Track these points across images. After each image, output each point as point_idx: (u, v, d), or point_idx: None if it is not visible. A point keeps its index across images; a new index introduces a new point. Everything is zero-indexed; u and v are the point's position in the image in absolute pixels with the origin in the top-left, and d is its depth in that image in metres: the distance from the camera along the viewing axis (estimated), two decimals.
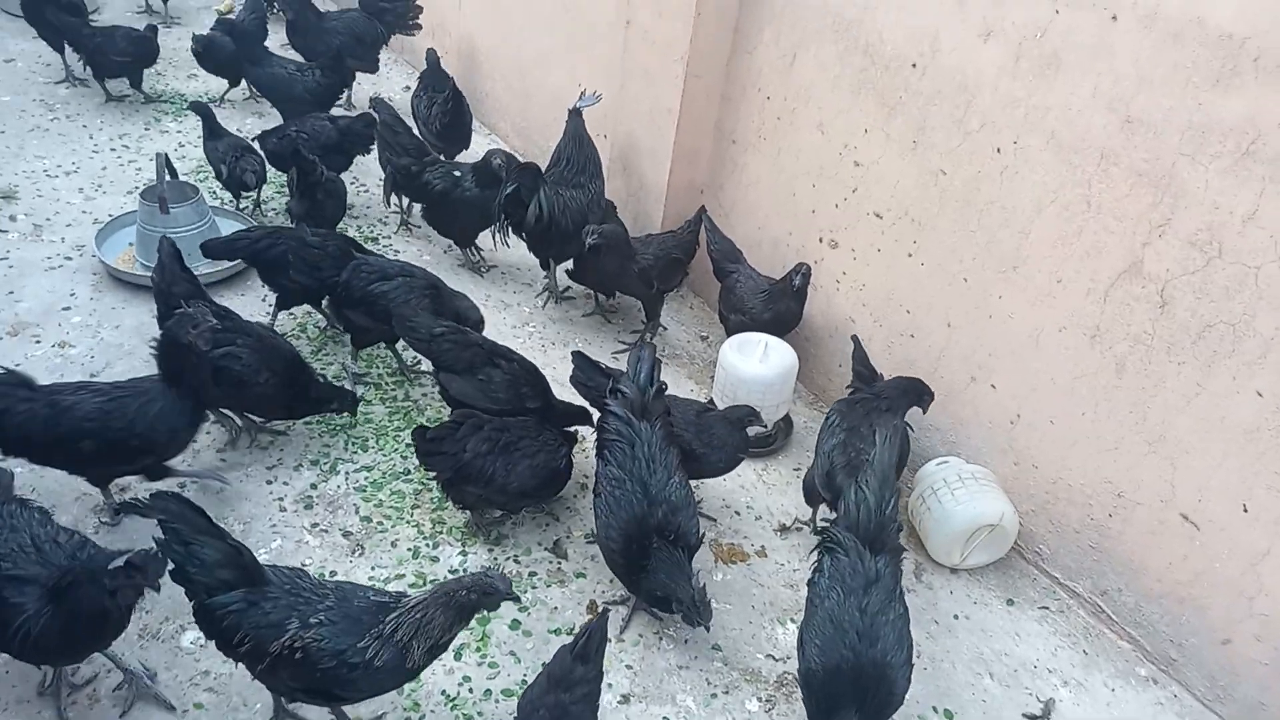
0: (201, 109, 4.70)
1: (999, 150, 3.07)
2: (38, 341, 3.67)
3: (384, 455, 3.41)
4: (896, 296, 3.56)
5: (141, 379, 2.94)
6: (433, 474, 3.07)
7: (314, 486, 3.22)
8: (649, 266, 4.05)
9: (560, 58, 5.09)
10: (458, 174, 4.36)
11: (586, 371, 3.24)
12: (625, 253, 4.04)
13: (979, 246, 3.22)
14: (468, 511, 3.18)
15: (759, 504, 3.49)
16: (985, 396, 3.33)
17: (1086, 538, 3.16)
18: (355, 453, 3.41)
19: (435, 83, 5.18)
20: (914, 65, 3.28)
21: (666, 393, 3.07)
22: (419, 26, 5.89)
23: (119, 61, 5.27)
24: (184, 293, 3.17)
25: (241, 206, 4.68)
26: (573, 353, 3.32)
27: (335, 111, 5.25)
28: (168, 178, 4.11)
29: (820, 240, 3.84)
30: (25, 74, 5.66)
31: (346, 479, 3.28)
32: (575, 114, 4.29)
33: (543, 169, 4.22)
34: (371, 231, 4.76)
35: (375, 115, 4.59)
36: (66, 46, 5.43)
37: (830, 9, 3.53)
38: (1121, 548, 3.07)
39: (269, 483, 3.23)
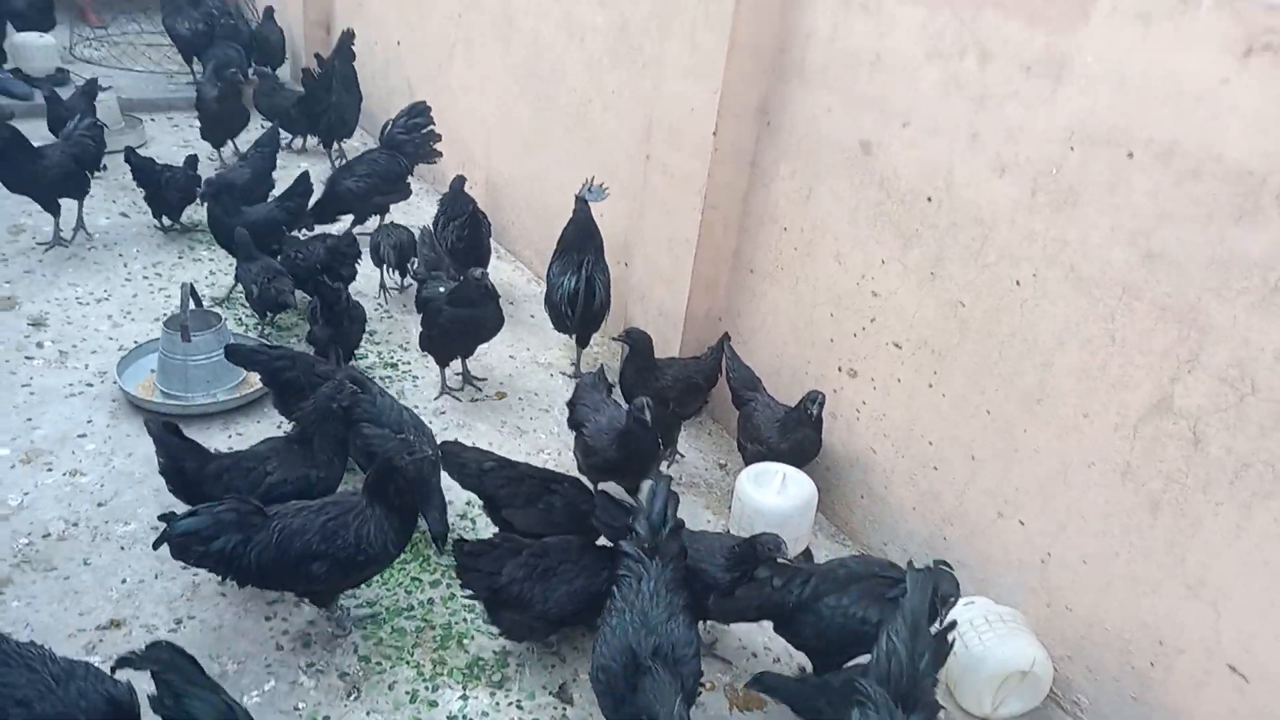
0: (242, 236, 4.87)
1: (1018, 283, 3.03)
2: (49, 469, 3.65)
3: (387, 590, 3.31)
4: (918, 427, 3.47)
5: (343, 496, 2.99)
6: (469, 593, 2.98)
7: (312, 623, 3.11)
8: (667, 387, 4.01)
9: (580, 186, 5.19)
10: (442, 289, 4.37)
11: (610, 512, 3.13)
12: (647, 361, 4.05)
13: (1001, 378, 3.14)
14: (468, 653, 3.05)
15: (778, 644, 3.31)
16: (1013, 533, 3.19)
17: (1127, 687, 2.95)
18: (358, 588, 3.31)
19: (455, 206, 5.28)
20: (929, 199, 3.29)
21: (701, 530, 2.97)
22: (439, 154, 6.05)
23: (179, 198, 5.46)
24: (194, 467, 3.13)
25: (266, 333, 4.74)
26: (596, 492, 3.23)
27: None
28: (192, 306, 4.17)
29: (839, 369, 3.78)
30: (66, 204, 5.85)
31: (348, 615, 3.17)
32: (582, 202, 4.54)
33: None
34: (392, 356, 4.78)
35: (355, 236, 4.91)
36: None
37: (845, 145, 3.57)
38: (1166, 699, 2.86)
39: (268, 619, 3.12)
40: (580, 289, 4.53)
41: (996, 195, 3.06)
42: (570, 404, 3.78)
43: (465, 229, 5.05)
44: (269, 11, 8.19)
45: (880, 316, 3.56)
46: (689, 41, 3.95)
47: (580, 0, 4.99)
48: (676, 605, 2.70)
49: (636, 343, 4.06)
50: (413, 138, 5.85)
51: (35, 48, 7.53)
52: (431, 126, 5.86)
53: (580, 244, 4.62)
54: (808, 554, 3.66)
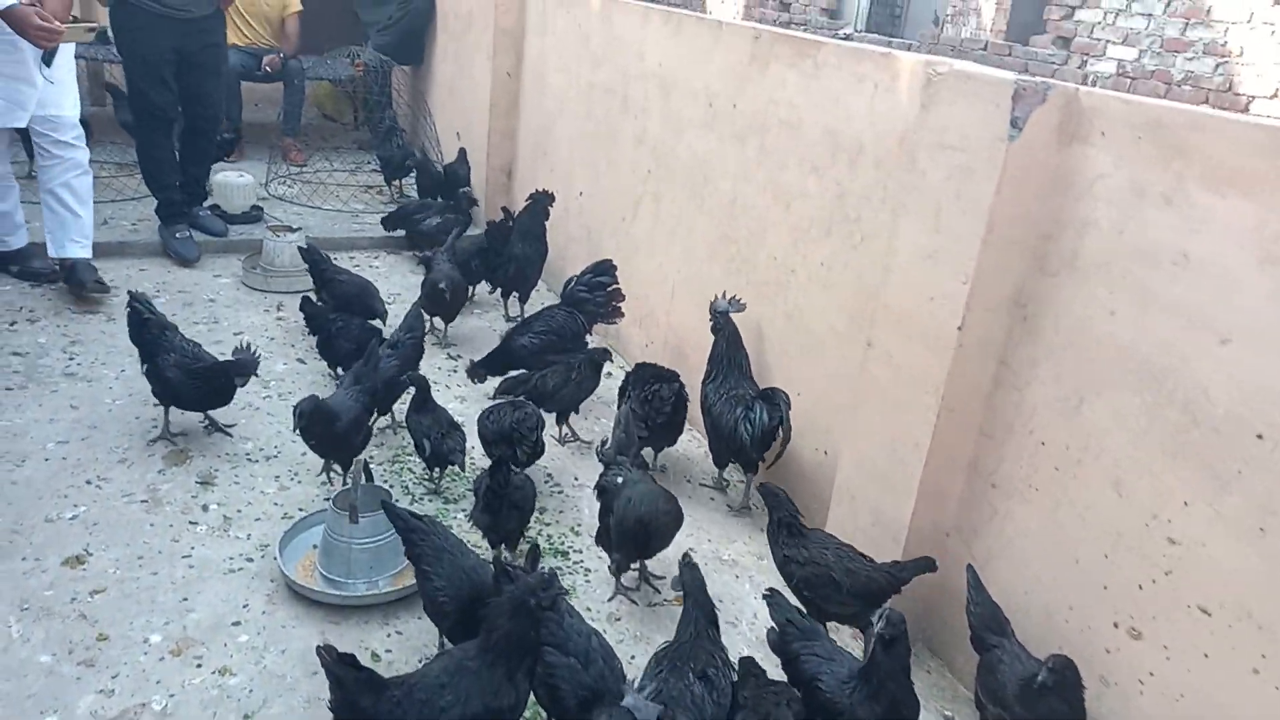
0: (418, 381, 4.60)
1: None
2: (199, 664, 3.32)
3: None
4: None
5: None
6: None
7: None
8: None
9: (777, 361, 4.74)
10: (620, 479, 3.91)
11: None
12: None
13: None
14: None
15: None
16: None
17: None
18: None
19: (656, 377, 4.86)
20: (1259, 436, 2.62)
21: None
22: (621, 314, 5.77)
23: (350, 349, 5.24)
24: (369, 703, 2.67)
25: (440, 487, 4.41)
26: None
27: None
28: (363, 481, 3.87)
29: (1115, 625, 3.06)
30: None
31: None
32: (724, 315, 4.64)
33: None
34: (563, 542, 4.32)
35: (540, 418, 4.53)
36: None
37: (1134, 353, 2.97)
38: None
39: None
40: (777, 425, 4.40)
41: None
42: (789, 659, 3.16)
43: (669, 403, 4.63)
44: (462, 153, 8.31)
45: (1180, 570, 2.86)
46: (930, 222, 3.47)
47: (788, 166, 4.64)
48: None
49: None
50: (595, 296, 5.59)
51: (235, 186, 7.81)
52: (616, 286, 5.58)
53: (738, 361, 4.68)
54: None
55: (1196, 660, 2.82)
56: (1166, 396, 2.88)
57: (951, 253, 3.37)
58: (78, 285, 5.97)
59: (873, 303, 3.93)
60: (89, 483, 4.26)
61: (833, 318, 4.33)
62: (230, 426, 4.84)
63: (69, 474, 4.29)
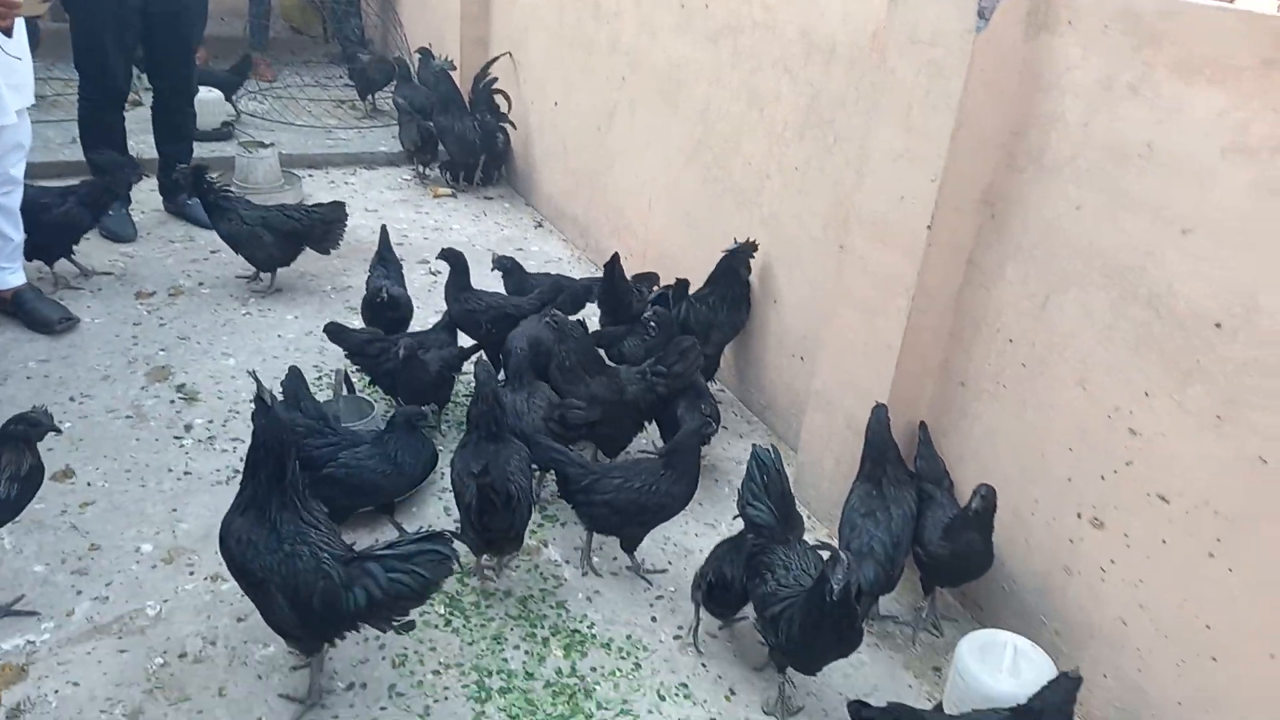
0: (453, 256, 4.65)
1: None
2: (191, 572, 3.41)
3: None
4: (1190, 604, 2.82)
5: None
6: None
7: None
8: None
9: (756, 270, 4.74)
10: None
11: None
12: None
13: None
14: None
15: None
16: None
17: None
18: None
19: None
20: (1218, 325, 2.67)
21: None
22: None
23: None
24: None
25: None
26: None
27: None
28: (344, 392, 3.91)
29: (1079, 516, 3.16)
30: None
31: None
32: (732, 255, 4.55)
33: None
34: None
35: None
36: None
37: (1099, 250, 3.00)
38: None
39: None
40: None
41: None
42: None
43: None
44: (425, 53, 8.13)
45: (1140, 461, 2.94)
46: (901, 122, 3.45)
47: (762, 69, 4.57)
48: None
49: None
50: None
51: (202, 102, 7.60)
52: None
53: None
54: None
55: (1155, 548, 2.92)
56: (1130, 292, 2.92)
57: (922, 151, 3.36)
58: (41, 324, 4.82)
59: (847, 207, 3.94)
60: (72, 399, 4.29)
61: (808, 223, 4.34)
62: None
63: (51, 391, 4.32)
